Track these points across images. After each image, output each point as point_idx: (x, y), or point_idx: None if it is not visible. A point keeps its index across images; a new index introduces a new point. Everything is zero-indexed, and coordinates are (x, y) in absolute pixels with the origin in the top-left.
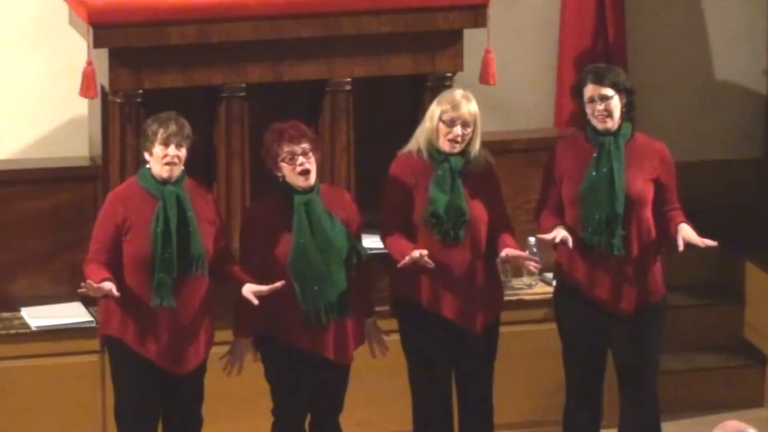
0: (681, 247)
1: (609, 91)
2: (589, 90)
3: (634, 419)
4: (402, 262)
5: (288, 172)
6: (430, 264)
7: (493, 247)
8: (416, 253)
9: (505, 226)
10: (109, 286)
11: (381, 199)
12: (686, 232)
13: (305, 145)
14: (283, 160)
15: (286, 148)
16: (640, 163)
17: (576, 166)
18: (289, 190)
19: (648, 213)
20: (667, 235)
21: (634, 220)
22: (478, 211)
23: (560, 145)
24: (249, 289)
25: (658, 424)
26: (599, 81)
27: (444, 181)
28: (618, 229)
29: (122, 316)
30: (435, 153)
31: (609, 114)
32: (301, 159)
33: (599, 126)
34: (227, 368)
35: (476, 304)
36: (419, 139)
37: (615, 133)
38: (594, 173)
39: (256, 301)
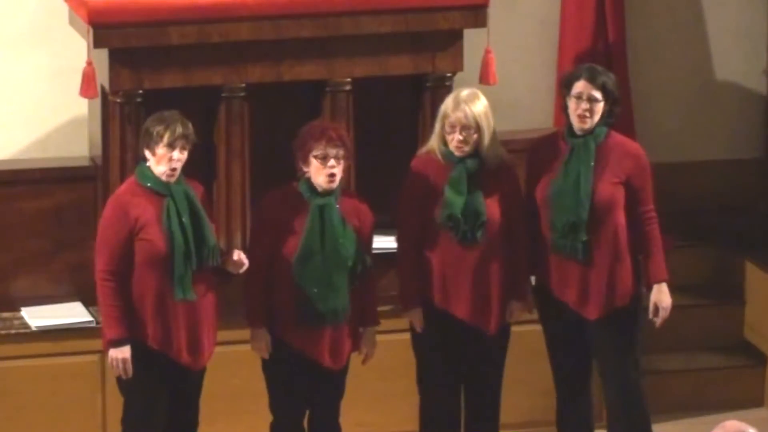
0: (651, 315)
1: (598, 94)
2: (579, 86)
3: (621, 421)
4: (404, 317)
5: (315, 170)
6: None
7: (509, 247)
8: (417, 327)
9: (518, 236)
10: (129, 364)
11: (399, 196)
12: (659, 299)
13: (341, 151)
14: (316, 157)
15: (322, 148)
16: (610, 165)
17: (550, 166)
18: (308, 188)
19: (617, 217)
20: (640, 239)
21: (600, 225)
22: (494, 211)
23: (537, 143)
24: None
25: (647, 425)
26: (592, 80)
27: (460, 182)
28: (581, 234)
29: (136, 317)
30: (449, 155)
31: (590, 115)
32: (332, 162)
33: (577, 124)
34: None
35: (491, 304)
36: (432, 141)
37: (587, 136)
38: (563, 177)
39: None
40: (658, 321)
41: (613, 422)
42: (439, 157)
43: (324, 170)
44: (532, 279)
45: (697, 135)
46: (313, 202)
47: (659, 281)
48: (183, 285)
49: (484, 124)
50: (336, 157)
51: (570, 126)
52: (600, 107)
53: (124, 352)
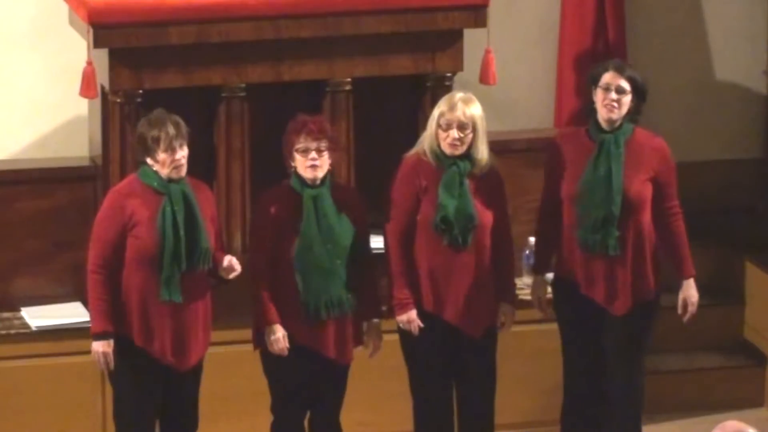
0: (680, 310)
1: (626, 85)
2: (608, 77)
3: (616, 414)
4: (399, 319)
5: (299, 164)
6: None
7: (495, 252)
8: (414, 328)
9: (505, 240)
10: (110, 358)
11: (387, 197)
12: (689, 294)
13: (322, 143)
14: (297, 151)
15: (303, 141)
16: (639, 162)
17: (576, 162)
18: (299, 182)
19: (645, 213)
20: (666, 235)
21: (630, 221)
22: (484, 215)
23: (560, 139)
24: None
25: (639, 421)
26: (620, 71)
27: (453, 185)
28: (613, 229)
29: (124, 313)
30: (442, 157)
31: (618, 106)
32: (313, 154)
33: (604, 115)
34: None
35: (478, 308)
36: (424, 143)
37: (615, 132)
38: (592, 173)
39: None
40: (687, 317)
41: (612, 412)
42: (431, 159)
43: (306, 162)
44: (550, 276)
45: (697, 135)
46: (306, 193)
47: (688, 277)
48: (169, 286)
49: (479, 125)
50: (318, 150)
51: (596, 122)
52: (627, 100)
53: (105, 346)
